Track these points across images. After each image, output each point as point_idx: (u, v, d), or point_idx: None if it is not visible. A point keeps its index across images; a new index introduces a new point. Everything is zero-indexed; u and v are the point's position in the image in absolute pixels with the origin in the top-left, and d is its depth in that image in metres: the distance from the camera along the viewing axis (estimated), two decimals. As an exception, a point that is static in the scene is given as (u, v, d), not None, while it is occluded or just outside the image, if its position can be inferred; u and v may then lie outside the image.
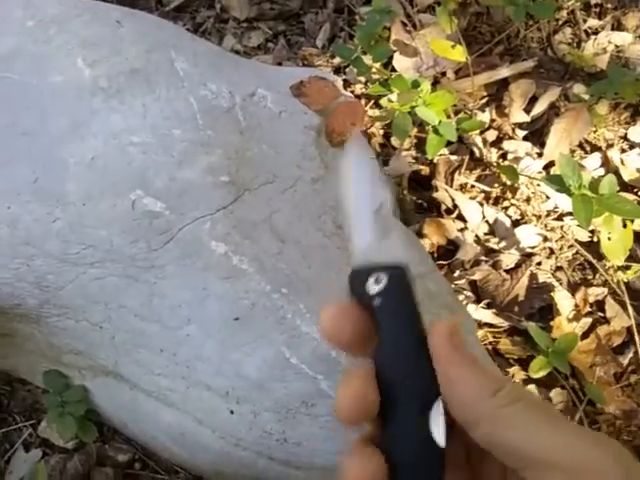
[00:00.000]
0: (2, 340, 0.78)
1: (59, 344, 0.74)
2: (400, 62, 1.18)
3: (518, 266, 1.00)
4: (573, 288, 0.98)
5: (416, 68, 1.18)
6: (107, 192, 0.65)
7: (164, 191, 0.65)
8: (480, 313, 0.95)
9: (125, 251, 0.64)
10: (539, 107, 1.13)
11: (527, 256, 1.01)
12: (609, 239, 0.85)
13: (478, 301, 0.96)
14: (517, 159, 1.09)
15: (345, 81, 1.20)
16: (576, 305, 0.95)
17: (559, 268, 1.00)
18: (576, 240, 1.02)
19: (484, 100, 1.16)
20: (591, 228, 0.98)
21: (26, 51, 0.72)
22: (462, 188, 1.08)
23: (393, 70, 1.17)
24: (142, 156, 0.66)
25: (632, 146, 1.10)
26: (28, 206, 0.65)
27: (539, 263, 1.00)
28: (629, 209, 0.80)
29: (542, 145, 1.10)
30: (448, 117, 1.03)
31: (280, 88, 0.82)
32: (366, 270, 0.34)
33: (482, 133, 1.12)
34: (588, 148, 1.11)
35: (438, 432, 0.32)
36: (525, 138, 1.13)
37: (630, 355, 0.92)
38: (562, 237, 1.03)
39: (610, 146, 1.10)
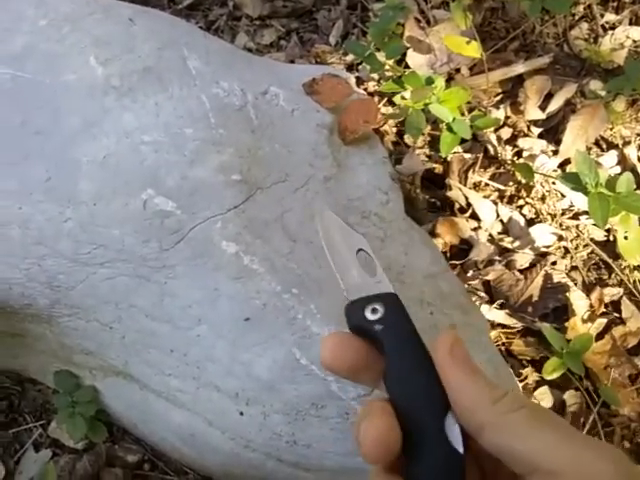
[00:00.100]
0: (13, 340, 0.78)
1: (70, 344, 0.74)
2: (414, 59, 1.18)
3: (532, 266, 0.98)
4: (588, 288, 0.96)
5: (430, 65, 1.17)
6: (119, 191, 0.65)
7: (176, 190, 0.65)
8: (493, 313, 0.94)
9: (136, 251, 0.64)
10: (555, 104, 1.12)
11: (542, 256, 0.99)
12: (625, 238, 0.84)
13: (491, 301, 0.95)
14: (532, 157, 1.08)
15: (358, 78, 1.19)
16: (591, 305, 0.94)
17: (574, 268, 0.99)
18: (592, 239, 1.00)
19: (499, 97, 1.15)
20: (607, 227, 0.97)
21: (39, 50, 0.72)
22: (476, 186, 1.07)
23: (407, 67, 1.16)
24: (154, 155, 0.66)
25: (650, 144, 1.08)
26: (40, 206, 0.65)
27: (554, 263, 0.99)
28: (646, 208, 0.79)
29: (558, 143, 1.08)
30: (462, 114, 1.02)
31: (292, 86, 0.81)
32: (362, 301, 0.38)
33: (497, 130, 1.11)
34: (604, 146, 1.10)
35: (456, 440, 0.34)
36: (540, 135, 1.11)
37: (646, 357, 0.91)
38: (577, 236, 1.01)
39: (627, 143, 1.08)
